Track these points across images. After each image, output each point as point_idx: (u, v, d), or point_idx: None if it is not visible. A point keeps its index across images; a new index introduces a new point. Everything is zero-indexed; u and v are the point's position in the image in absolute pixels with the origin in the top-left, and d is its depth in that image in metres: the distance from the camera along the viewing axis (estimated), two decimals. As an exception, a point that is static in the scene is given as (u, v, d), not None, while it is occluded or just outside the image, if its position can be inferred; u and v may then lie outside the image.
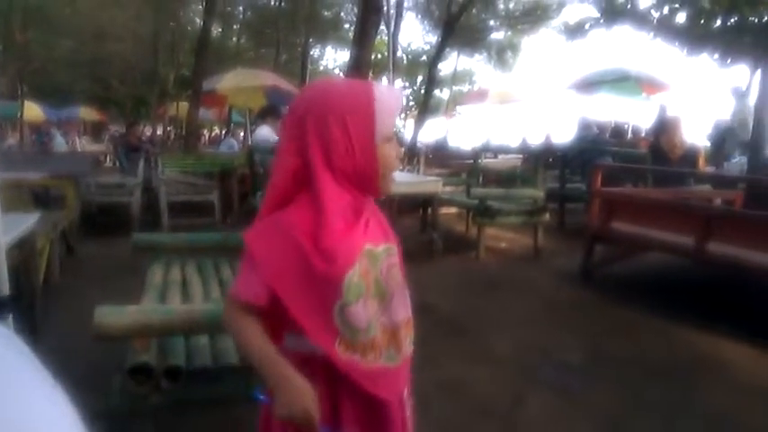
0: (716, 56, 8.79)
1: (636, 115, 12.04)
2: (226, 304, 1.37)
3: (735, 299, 4.67)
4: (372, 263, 1.29)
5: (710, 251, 4.35)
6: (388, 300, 1.32)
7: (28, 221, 3.39)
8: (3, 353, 0.45)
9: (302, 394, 1.21)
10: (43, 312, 3.59)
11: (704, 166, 7.92)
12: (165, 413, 2.21)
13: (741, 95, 8.84)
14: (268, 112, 7.24)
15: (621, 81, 10.85)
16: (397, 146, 1.32)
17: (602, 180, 5.72)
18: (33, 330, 3.23)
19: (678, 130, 7.22)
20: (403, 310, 1.36)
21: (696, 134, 8.12)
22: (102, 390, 2.11)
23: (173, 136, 19.53)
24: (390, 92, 1.32)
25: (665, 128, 7.44)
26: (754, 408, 3.08)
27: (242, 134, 14.74)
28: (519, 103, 16.36)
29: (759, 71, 7.27)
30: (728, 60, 8.57)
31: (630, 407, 3.04)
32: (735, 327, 4.08)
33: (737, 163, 8.39)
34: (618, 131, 10.63)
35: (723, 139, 8.70)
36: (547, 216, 6.63)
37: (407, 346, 1.37)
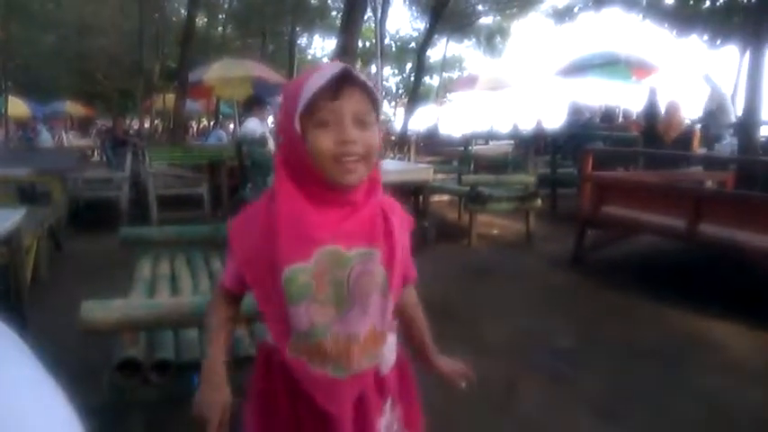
0: (705, 37, 8.80)
1: (625, 98, 12.04)
2: (213, 291, 1.38)
3: (726, 280, 4.68)
4: (335, 265, 1.18)
5: (702, 233, 4.35)
6: (347, 308, 1.20)
7: (14, 218, 3.34)
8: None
9: (209, 398, 1.30)
10: (31, 309, 3.54)
11: (698, 148, 7.94)
12: (155, 407, 2.19)
13: (713, 82, 8.88)
14: (253, 104, 7.18)
15: (611, 65, 10.84)
16: (341, 133, 1.14)
17: (593, 164, 5.70)
18: (22, 327, 3.19)
19: (678, 113, 7.24)
20: (364, 323, 1.21)
21: (688, 116, 8.09)
22: (91, 385, 2.08)
23: (160, 129, 19.38)
24: (324, 69, 1.15)
25: (665, 110, 7.45)
26: (745, 386, 3.10)
27: (231, 126, 14.65)
28: (509, 89, 16.32)
29: (748, 52, 7.25)
30: (718, 42, 8.58)
31: (623, 389, 3.04)
32: (726, 308, 4.08)
33: (728, 144, 8.40)
34: (609, 115, 10.63)
35: (707, 123, 8.73)
36: (538, 202, 6.63)
37: (363, 362, 1.23)
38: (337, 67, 1.13)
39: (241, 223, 1.27)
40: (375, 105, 1.18)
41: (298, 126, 1.14)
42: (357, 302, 1.20)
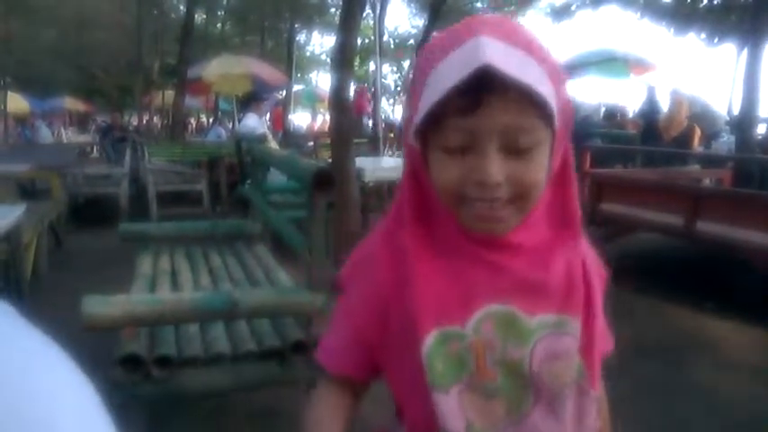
0: (702, 35, 8.81)
1: (623, 96, 12.08)
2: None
3: (723, 277, 4.70)
4: (508, 336, 0.77)
5: (699, 230, 4.37)
6: (527, 407, 0.78)
7: (14, 214, 3.36)
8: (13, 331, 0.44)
9: None
10: (32, 305, 3.55)
11: (698, 145, 7.97)
12: (156, 403, 2.21)
13: (652, 91, 8.95)
14: (251, 100, 7.18)
15: (609, 62, 10.84)
16: (478, 169, 0.72)
17: (591, 162, 5.72)
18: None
19: (683, 110, 7.26)
20: None
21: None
22: (92, 380, 2.10)
23: (160, 125, 19.37)
24: (459, 53, 0.70)
25: (669, 105, 7.47)
26: (741, 381, 3.13)
27: (230, 123, 14.66)
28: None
29: (745, 50, 7.27)
30: (715, 39, 8.59)
31: (620, 385, 3.06)
32: (723, 304, 4.11)
33: (725, 142, 8.43)
34: (610, 114, 10.65)
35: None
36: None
37: None
38: (475, 55, 0.68)
39: (355, 271, 0.90)
40: (545, 114, 0.71)
41: (416, 141, 0.77)
42: (543, 399, 0.78)
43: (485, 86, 0.69)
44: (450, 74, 0.69)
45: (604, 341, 0.87)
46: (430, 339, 0.77)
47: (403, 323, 0.80)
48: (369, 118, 13.77)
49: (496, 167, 0.72)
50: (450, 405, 0.77)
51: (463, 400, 0.77)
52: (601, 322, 0.84)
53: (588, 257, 0.85)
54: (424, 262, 0.80)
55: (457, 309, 0.78)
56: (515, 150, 0.72)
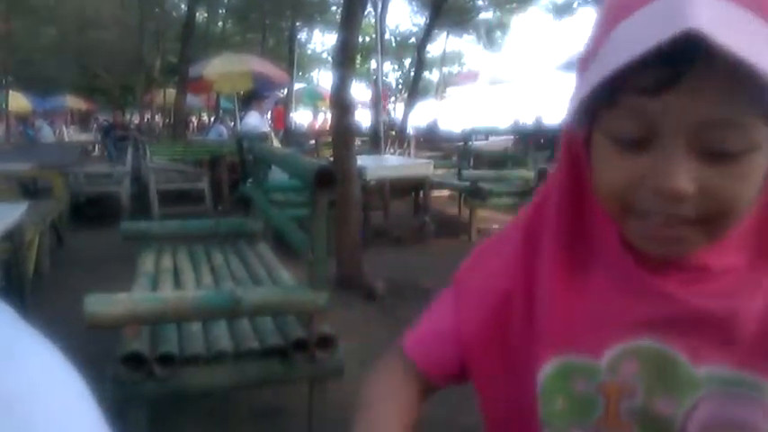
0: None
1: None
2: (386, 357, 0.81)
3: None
4: (657, 383, 0.58)
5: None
6: None
7: (16, 212, 3.36)
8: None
9: None
10: (34, 304, 3.57)
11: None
12: (159, 401, 2.21)
13: None
14: (252, 98, 7.20)
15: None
16: (658, 174, 0.52)
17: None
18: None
19: None
20: None
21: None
22: (94, 378, 2.11)
23: (161, 124, 19.40)
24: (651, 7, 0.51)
25: None
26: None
27: (231, 121, 14.69)
28: (509, 84, 16.34)
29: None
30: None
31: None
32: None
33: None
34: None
35: None
36: (538, 197, 6.66)
37: None
38: (676, 14, 0.47)
39: (478, 263, 0.76)
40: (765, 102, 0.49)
41: (580, 117, 0.57)
42: None
43: (684, 59, 0.48)
44: (636, 36, 0.49)
45: None
46: (550, 368, 0.62)
47: (520, 339, 0.66)
48: (388, 116, 13.89)
49: (685, 174, 0.51)
50: None
51: None
52: None
53: None
54: (564, 271, 0.64)
55: (592, 335, 0.61)
56: (717, 153, 0.51)
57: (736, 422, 0.56)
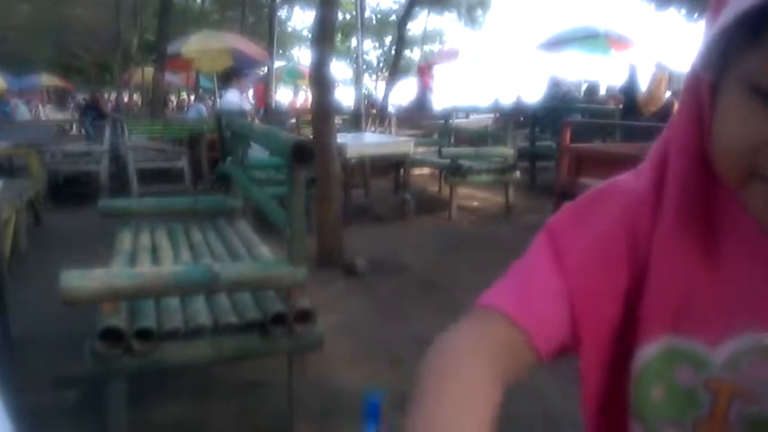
0: (683, 11, 8.84)
1: (604, 73, 12.13)
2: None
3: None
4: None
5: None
6: None
7: (-10, 190, 3.33)
8: None
9: None
10: (11, 282, 3.54)
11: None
12: (137, 376, 2.22)
13: (555, 84, 9.06)
14: (231, 75, 7.13)
15: (590, 38, 10.88)
16: None
17: (571, 136, 5.76)
18: (1, 301, 3.19)
19: (662, 86, 7.30)
20: None
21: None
22: (73, 355, 2.11)
23: (140, 103, 19.14)
24: None
25: (650, 81, 7.51)
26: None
27: (211, 100, 14.54)
28: (490, 62, 16.31)
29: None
30: (695, 15, 8.62)
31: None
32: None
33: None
34: (592, 90, 10.70)
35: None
36: (517, 174, 6.70)
37: None
38: None
39: (576, 220, 0.63)
40: None
41: (709, 66, 0.49)
42: None
43: None
44: None
45: None
46: (655, 349, 0.53)
47: (622, 316, 0.56)
48: (431, 93, 13.95)
49: None
50: None
51: None
52: None
53: None
54: (688, 243, 0.54)
55: (714, 319, 0.51)
56: None
57: None
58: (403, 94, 18.75)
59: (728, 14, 0.42)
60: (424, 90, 13.67)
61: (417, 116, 10.82)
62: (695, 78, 0.52)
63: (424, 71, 14.40)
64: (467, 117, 11.48)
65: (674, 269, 0.53)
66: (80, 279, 1.91)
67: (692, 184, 0.53)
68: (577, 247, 0.58)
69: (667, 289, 0.53)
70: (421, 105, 12.69)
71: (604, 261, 0.56)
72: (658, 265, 0.54)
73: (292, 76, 20.57)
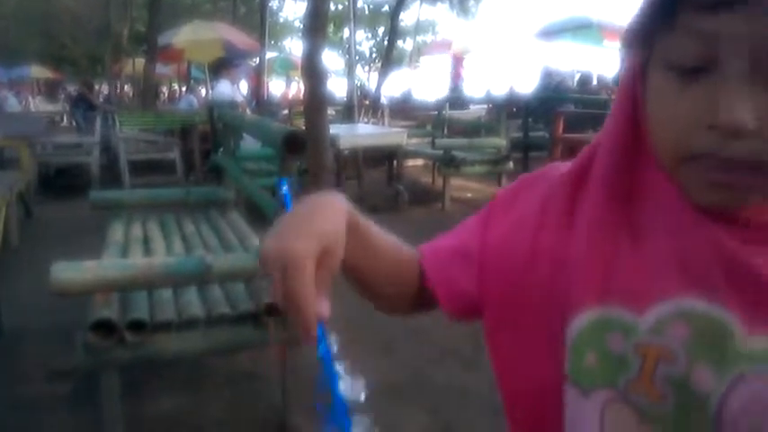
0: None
1: (597, 64, 12.16)
2: None
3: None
4: (700, 349, 0.51)
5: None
6: None
7: (-20, 182, 3.31)
8: None
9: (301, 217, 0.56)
10: (3, 275, 3.53)
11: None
12: (130, 367, 2.22)
13: (548, 74, 9.08)
14: (222, 66, 7.09)
15: (583, 29, 10.86)
16: (715, 105, 0.47)
17: (564, 127, 5.76)
18: (-7, 293, 3.19)
19: None
20: None
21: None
22: (65, 347, 2.10)
23: (132, 94, 19.02)
24: None
25: None
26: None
27: (203, 91, 14.47)
28: (483, 53, 16.29)
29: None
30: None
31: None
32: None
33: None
34: (584, 80, 10.70)
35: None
36: (510, 165, 6.70)
37: None
38: None
39: (512, 196, 0.70)
40: None
41: (637, 50, 0.55)
42: None
43: None
44: None
45: None
46: (585, 320, 0.55)
47: (551, 286, 0.59)
48: (462, 82, 14.04)
49: (745, 104, 0.45)
50: (587, 412, 0.55)
51: (606, 412, 0.55)
52: None
53: None
54: (610, 219, 0.57)
55: (637, 288, 0.54)
56: None
57: None
58: (395, 85, 18.72)
59: (644, 2, 0.48)
60: (457, 80, 13.70)
61: (454, 106, 10.79)
62: (630, 75, 0.56)
63: (458, 62, 14.45)
64: (461, 108, 11.47)
65: (597, 244, 0.56)
66: (71, 270, 1.90)
67: (619, 161, 0.57)
68: (498, 228, 0.67)
69: (590, 263, 0.56)
70: (455, 95, 12.70)
71: (512, 251, 0.63)
72: (580, 241, 0.57)
73: (284, 66, 20.49)
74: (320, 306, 0.52)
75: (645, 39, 0.51)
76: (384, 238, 0.69)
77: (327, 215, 0.56)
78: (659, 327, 0.52)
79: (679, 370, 0.51)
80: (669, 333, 0.51)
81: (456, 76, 13.56)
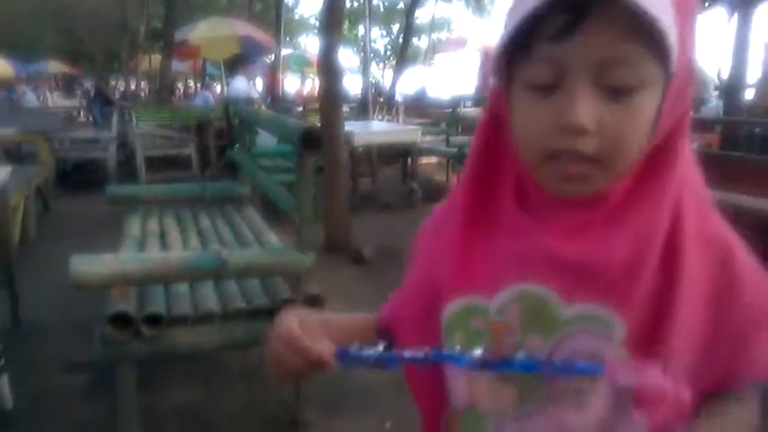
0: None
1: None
2: None
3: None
4: (534, 322, 0.66)
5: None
6: (533, 406, 0.67)
7: None
8: None
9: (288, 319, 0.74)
10: (20, 268, 3.56)
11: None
12: (146, 361, 2.23)
13: None
14: (238, 63, 7.11)
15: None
16: (564, 110, 0.58)
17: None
18: (12, 286, 3.21)
19: None
20: None
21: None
22: (82, 340, 2.12)
23: (147, 90, 19.13)
24: None
25: None
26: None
27: (218, 87, 14.52)
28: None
29: (735, 15, 7.26)
30: (706, 4, 8.54)
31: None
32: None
33: (714, 107, 8.45)
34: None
35: None
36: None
37: None
38: None
39: (424, 229, 0.85)
40: (657, 47, 0.56)
41: (500, 76, 0.66)
42: (555, 402, 0.66)
43: (584, 5, 0.55)
44: None
45: (732, 366, 0.65)
46: (453, 307, 0.71)
47: (432, 285, 0.74)
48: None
49: (586, 109, 0.57)
50: (461, 379, 0.72)
51: (473, 378, 0.70)
52: (707, 337, 0.63)
53: (714, 250, 0.65)
54: (469, 224, 0.72)
55: (487, 279, 0.68)
56: (614, 90, 0.58)
57: (588, 353, 0.62)
58: (410, 82, 18.69)
59: (506, 34, 0.59)
60: (486, 79, 13.69)
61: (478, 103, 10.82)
62: (494, 97, 0.69)
63: (487, 58, 14.44)
64: (474, 105, 11.44)
65: (460, 246, 0.71)
66: (90, 264, 1.92)
67: (481, 169, 0.72)
68: (419, 258, 0.84)
69: (455, 261, 0.71)
70: (482, 94, 12.70)
71: (423, 267, 0.81)
72: (447, 246, 0.73)
73: (299, 63, 20.51)
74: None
75: (507, 67, 0.63)
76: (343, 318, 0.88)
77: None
78: (502, 308, 0.67)
79: (518, 338, 0.66)
80: (509, 312, 0.67)
81: (484, 75, 13.46)
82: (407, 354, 0.67)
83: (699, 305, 0.63)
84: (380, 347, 0.67)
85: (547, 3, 0.54)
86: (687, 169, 0.67)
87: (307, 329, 0.71)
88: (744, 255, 0.67)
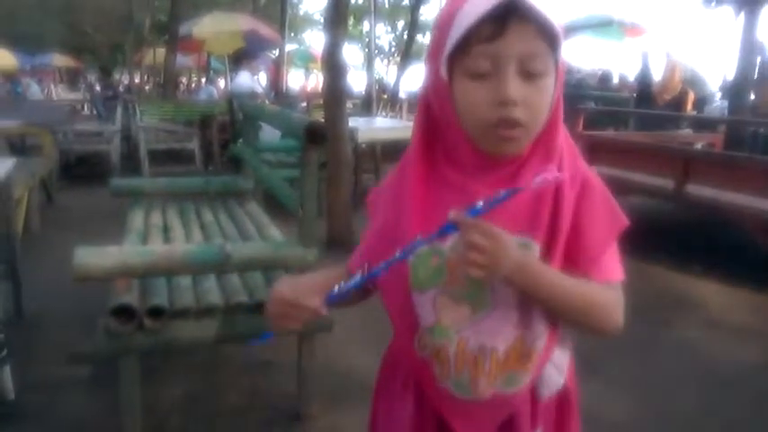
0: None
1: (618, 61, 12.04)
2: None
3: (711, 239, 4.76)
4: None
5: (689, 193, 4.41)
6: (485, 311, 0.93)
7: (3, 168, 3.34)
8: None
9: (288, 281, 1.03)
10: (23, 260, 3.56)
11: (691, 110, 7.95)
12: (149, 353, 2.24)
13: (568, 71, 8.93)
14: (242, 57, 7.10)
15: (605, 26, 10.78)
16: (499, 89, 0.83)
17: (584, 124, 5.72)
18: (15, 277, 3.22)
19: (676, 74, 7.23)
20: (505, 336, 0.93)
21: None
22: (85, 332, 2.13)
23: (151, 84, 19.14)
24: None
25: (663, 70, 7.44)
26: (723, 339, 3.21)
27: (222, 82, 14.50)
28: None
29: (742, 14, 7.23)
30: (712, 3, 8.51)
31: (605, 342, 3.11)
32: (711, 266, 4.17)
33: (718, 107, 8.43)
34: (605, 78, 10.63)
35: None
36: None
37: (497, 385, 0.95)
38: None
39: (376, 194, 1.08)
40: (554, 46, 0.84)
41: (445, 72, 0.86)
42: (498, 306, 0.92)
43: (509, 16, 0.81)
44: (479, 6, 0.80)
45: (589, 267, 0.97)
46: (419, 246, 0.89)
47: (395, 233, 0.94)
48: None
49: (515, 86, 0.83)
50: (426, 304, 0.95)
51: (436, 301, 0.94)
52: (576, 244, 0.92)
53: (583, 193, 0.92)
54: (423, 181, 0.94)
55: (427, 219, 0.91)
56: (529, 75, 0.83)
57: None
58: (414, 79, 18.64)
59: (451, 40, 0.83)
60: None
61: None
62: (431, 87, 0.92)
63: None
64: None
65: (418, 198, 0.93)
66: (93, 256, 1.92)
67: (425, 144, 0.96)
68: (374, 214, 1.06)
69: (415, 211, 0.93)
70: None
71: (382, 220, 1.01)
72: (409, 197, 0.94)
73: (304, 59, 20.51)
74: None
75: (450, 63, 0.86)
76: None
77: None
78: (454, 246, 0.88)
79: (465, 269, 0.84)
80: (460, 249, 0.84)
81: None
82: (383, 264, 0.88)
83: (585, 226, 0.92)
84: (358, 276, 0.90)
85: (483, 16, 0.79)
86: (563, 132, 0.92)
87: (297, 290, 0.96)
88: (595, 179, 0.94)
